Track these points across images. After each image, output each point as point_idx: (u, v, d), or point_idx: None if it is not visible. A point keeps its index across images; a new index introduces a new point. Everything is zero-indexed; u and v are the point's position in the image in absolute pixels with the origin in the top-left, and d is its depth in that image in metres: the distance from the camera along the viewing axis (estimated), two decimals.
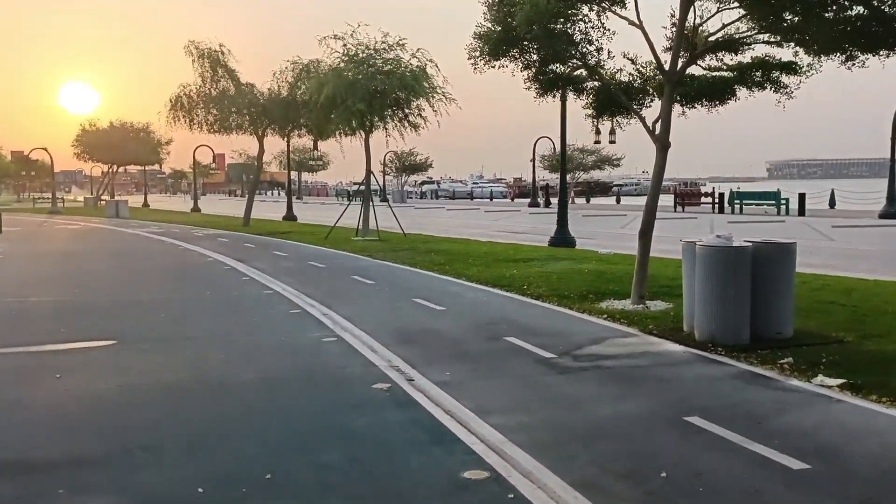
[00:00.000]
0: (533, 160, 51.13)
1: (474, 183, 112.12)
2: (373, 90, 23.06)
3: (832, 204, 39.72)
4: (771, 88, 11.63)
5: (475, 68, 12.00)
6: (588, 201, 56.02)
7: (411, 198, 70.89)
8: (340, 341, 8.81)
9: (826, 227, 26.72)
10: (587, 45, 10.73)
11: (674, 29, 11.29)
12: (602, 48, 10.74)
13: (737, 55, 11.60)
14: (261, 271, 15.76)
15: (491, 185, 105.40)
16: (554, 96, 12.74)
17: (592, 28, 10.60)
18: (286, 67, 29.91)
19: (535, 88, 12.29)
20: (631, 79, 11.99)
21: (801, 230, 25.48)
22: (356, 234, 24.90)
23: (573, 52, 10.79)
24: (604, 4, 10.71)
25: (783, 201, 34.02)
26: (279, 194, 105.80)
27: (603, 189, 70.77)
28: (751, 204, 36.59)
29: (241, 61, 34.17)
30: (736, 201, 36.61)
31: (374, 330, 9.35)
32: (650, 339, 8.72)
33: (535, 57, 11.81)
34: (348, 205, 27.86)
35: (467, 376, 7.17)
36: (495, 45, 11.40)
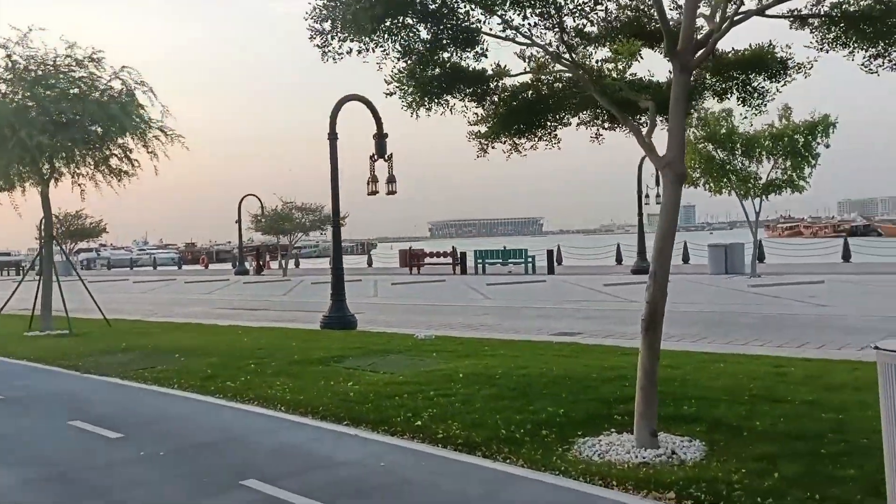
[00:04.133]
0: (238, 221, 44.59)
1: (140, 249, 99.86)
2: (56, 120, 15.99)
3: (559, 260, 39.27)
4: (738, 97, 8.10)
5: (324, 54, 7.00)
6: (291, 265, 50.62)
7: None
8: None
9: (598, 284, 24.75)
10: None
11: None
12: None
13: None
14: None
15: (159, 251, 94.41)
16: (437, 104, 7.87)
17: None
18: None
19: (411, 92, 7.52)
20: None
21: (581, 292, 23.09)
22: (30, 326, 17.18)
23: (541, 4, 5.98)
24: None
25: (530, 259, 32.21)
26: None
27: (273, 252, 63.72)
28: (495, 263, 34.35)
29: None
30: (479, 261, 34.13)
31: None
32: None
33: (423, 34, 7.08)
34: (21, 281, 19.72)
35: None
36: (369, 9, 6.39)
